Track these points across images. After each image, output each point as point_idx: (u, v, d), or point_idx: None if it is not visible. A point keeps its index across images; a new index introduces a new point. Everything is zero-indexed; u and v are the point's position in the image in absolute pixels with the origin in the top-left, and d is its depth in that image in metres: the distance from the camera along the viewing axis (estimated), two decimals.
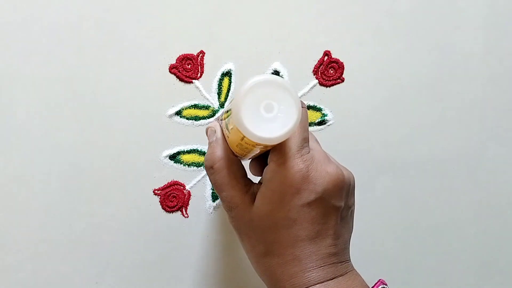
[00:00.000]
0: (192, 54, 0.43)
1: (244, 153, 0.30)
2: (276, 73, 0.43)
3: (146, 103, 0.43)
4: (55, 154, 0.42)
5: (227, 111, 0.29)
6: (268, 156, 0.30)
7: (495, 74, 0.45)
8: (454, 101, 0.45)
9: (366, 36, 0.44)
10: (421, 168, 0.45)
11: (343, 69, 0.44)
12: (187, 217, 0.43)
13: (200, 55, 0.43)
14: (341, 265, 0.30)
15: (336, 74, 0.44)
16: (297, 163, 0.29)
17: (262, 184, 0.30)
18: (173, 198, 0.43)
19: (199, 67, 0.43)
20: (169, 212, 0.43)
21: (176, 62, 0.43)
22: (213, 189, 0.43)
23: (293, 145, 0.29)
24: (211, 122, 0.33)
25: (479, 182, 0.45)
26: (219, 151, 0.31)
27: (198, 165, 0.43)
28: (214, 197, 0.43)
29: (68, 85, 0.42)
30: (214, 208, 0.43)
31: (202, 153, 0.43)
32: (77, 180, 0.42)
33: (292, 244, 0.29)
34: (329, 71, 0.44)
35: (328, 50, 0.44)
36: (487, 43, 0.45)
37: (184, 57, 0.43)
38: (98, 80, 0.42)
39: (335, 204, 0.30)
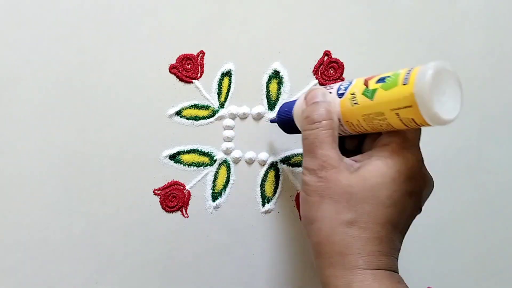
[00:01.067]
0: (192, 54, 0.43)
1: (364, 126, 0.31)
2: (276, 73, 0.43)
3: (146, 103, 0.43)
4: (55, 154, 0.42)
5: (349, 85, 0.31)
6: (365, 136, 0.33)
7: (495, 74, 0.45)
8: None
9: (366, 36, 0.44)
10: None
11: (343, 69, 0.44)
12: (187, 217, 0.43)
13: (200, 55, 0.43)
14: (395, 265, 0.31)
15: (336, 74, 0.44)
16: (419, 154, 0.31)
17: (376, 159, 0.30)
18: (173, 198, 0.43)
19: (199, 67, 0.43)
20: (169, 212, 0.43)
21: (176, 62, 0.43)
22: (213, 189, 0.43)
23: (416, 136, 0.31)
24: (314, 88, 0.34)
25: (479, 182, 0.45)
26: (329, 111, 0.31)
27: (198, 165, 0.43)
28: (214, 197, 0.43)
29: (68, 85, 0.42)
30: (214, 208, 0.43)
31: (202, 153, 0.43)
32: (77, 180, 0.42)
33: (382, 224, 0.29)
34: (329, 71, 0.44)
35: (328, 50, 0.44)
36: (487, 43, 0.45)
37: (184, 57, 0.43)
38: (98, 80, 0.42)
39: (421, 207, 0.32)
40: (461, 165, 0.45)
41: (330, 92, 0.32)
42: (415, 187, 0.30)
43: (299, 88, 0.44)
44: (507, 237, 0.46)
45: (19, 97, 0.42)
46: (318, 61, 0.44)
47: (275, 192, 0.43)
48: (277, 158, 0.43)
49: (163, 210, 0.43)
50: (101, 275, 0.42)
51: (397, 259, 0.31)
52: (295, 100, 0.37)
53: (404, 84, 0.28)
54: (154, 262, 0.43)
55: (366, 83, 0.30)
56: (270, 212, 0.43)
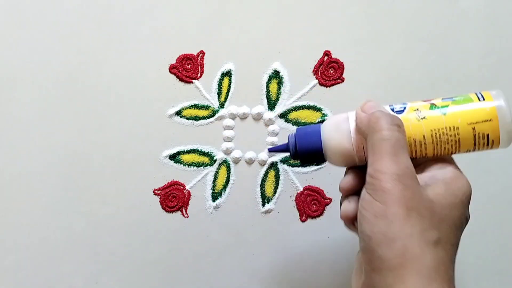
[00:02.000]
0: (192, 54, 0.43)
1: (427, 145, 0.30)
2: (276, 73, 0.43)
3: (146, 103, 0.43)
4: (55, 154, 0.42)
5: (403, 105, 0.31)
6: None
7: (495, 74, 0.45)
8: None
9: (366, 36, 0.44)
10: None
11: (343, 69, 0.44)
12: (187, 217, 0.43)
13: (200, 55, 0.43)
14: None
15: (336, 74, 0.44)
16: (466, 181, 0.31)
17: (443, 179, 0.29)
18: (173, 198, 0.43)
19: (199, 67, 0.43)
20: (169, 212, 0.43)
21: (176, 62, 0.43)
22: (213, 189, 0.43)
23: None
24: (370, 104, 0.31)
25: (479, 182, 0.45)
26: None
27: (198, 165, 0.43)
28: (214, 197, 0.43)
29: (68, 85, 0.42)
30: (214, 208, 0.43)
31: (202, 153, 0.43)
32: (77, 180, 0.42)
33: (455, 245, 0.28)
34: (329, 71, 0.44)
35: (328, 50, 0.44)
36: (487, 43, 0.45)
37: (184, 57, 0.43)
38: (98, 80, 0.42)
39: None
40: (461, 165, 0.45)
41: None
42: (468, 214, 0.30)
43: (299, 88, 0.44)
44: (507, 237, 0.45)
45: (19, 97, 0.42)
46: (318, 61, 0.44)
47: (275, 192, 0.43)
48: (277, 158, 0.43)
49: (163, 210, 0.43)
50: (101, 275, 0.42)
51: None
52: (315, 126, 0.33)
53: (480, 101, 0.29)
54: (154, 262, 0.43)
55: (428, 102, 0.31)
56: (270, 212, 0.43)
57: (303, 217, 0.43)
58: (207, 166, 0.43)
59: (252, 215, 0.43)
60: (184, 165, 0.43)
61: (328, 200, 0.43)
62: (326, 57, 0.44)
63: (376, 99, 0.44)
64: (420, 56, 0.44)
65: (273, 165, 0.43)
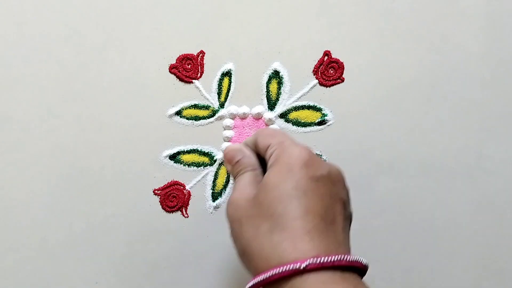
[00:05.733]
0: (192, 54, 0.43)
1: None
2: (276, 73, 0.43)
3: (146, 103, 0.43)
4: (55, 154, 0.42)
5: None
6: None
7: (495, 74, 0.45)
8: (454, 101, 0.45)
9: (366, 36, 0.44)
10: (421, 168, 0.45)
11: (343, 69, 0.44)
12: (187, 217, 0.43)
13: (200, 55, 0.43)
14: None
15: (336, 74, 0.44)
16: (300, 145, 0.30)
17: (268, 167, 0.30)
18: (173, 198, 0.43)
19: (199, 67, 0.43)
20: (169, 212, 0.43)
21: (176, 62, 0.43)
22: (213, 189, 0.43)
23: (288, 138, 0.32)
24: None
25: (479, 182, 0.45)
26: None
27: (198, 165, 0.43)
28: (214, 197, 0.43)
29: (68, 85, 0.42)
30: (214, 208, 0.43)
31: (202, 153, 0.43)
32: (77, 180, 0.42)
33: (302, 216, 0.26)
34: (329, 71, 0.44)
35: (328, 50, 0.44)
36: (487, 43, 0.45)
37: (184, 57, 0.43)
38: (98, 80, 0.42)
39: (339, 192, 0.29)
40: (461, 165, 0.45)
41: None
42: (317, 171, 0.28)
43: (299, 88, 0.44)
44: (507, 237, 0.45)
45: (19, 97, 0.42)
46: (318, 61, 0.44)
47: None
48: None
49: (163, 210, 0.43)
50: (101, 275, 0.42)
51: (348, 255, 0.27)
52: None
53: None
54: (154, 262, 0.43)
55: None
56: None
57: None
58: (207, 166, 0.43)
59: None
60: (184, 165, 0.43)
61: None
62: (326, 57, 0.44)
63: (376, 99, 0.44)
64: (420, 56, 0.44)
65: None
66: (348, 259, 0.26)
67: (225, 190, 0.43)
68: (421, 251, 0.45)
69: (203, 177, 0.43)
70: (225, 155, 0.35)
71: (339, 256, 0.25)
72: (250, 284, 0.27)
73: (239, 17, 0.43)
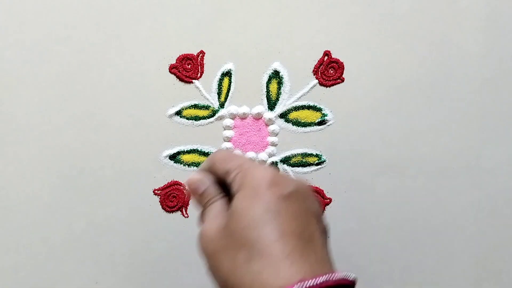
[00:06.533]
0: (192, 54, 0.43)
1: None
2: (276, 73, 0.43)
3: (146, 103, 0.43)
4: (55, 154, 0.42)
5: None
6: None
7: (495, 74, 0.45)
8: (453, 101, 0.45)
9: (366, 36, 0.44)
10: (421, 168, 0.45)
11: (343, 69, 0.44)
12: (187, 217, 0.43)
13: (200, 55, 0.43)
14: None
15: (336, 74, 0.44)
16: (261, 166, 0.29)
17: (233, 192, 0.28)
18: (173, 198, 0.43)
19: (199, 67, 0.43)
20: (169, 212, 0.43)
21: (176, 62, 0.43)
22: None
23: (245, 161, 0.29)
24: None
25: (478, 182, 0.45)
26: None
27: (198, 165, 0.43)
28: None
29: (68, 85, 0.42)
30: None
31: (202, 153, 0.43)
32: (77, 180, 0.42)
33: (278, 239, 0.25)
34: (329, 71, 0.44)
35: (328, 50, 0.44)
36: (487, 43, 0.45)
37: (184, 57, 0.43)
38: (98, 80, 0.42)
39: (311, 207, 0.28)
40: (461, 165, 0.45)
41: None
42: (285, 188, 0.27)
43: (299, 88, 0.44)
44: (507, 237, 0.45)
45: (19, 97, 0.42)
46: (318, 61, 0.44)
47: None
48: (277, 158, 0.43)
49: (163, 210, 0.43)
50: (101, 275, 0.42)
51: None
52: None
53: None
54: (154, 262, 0.43)
55: None
56: None
57: None
58: None
59: None
60: (184, 165, 0.43)
61: (328, 200, 0.43)
62: (326, 57, 0.44)
63: (376, 99, 0.44)
64: (420, 56, 0.44)
65: (273, 165, 0.43)
66: (334, 278, 0.24)
67: None
68: (421, 251, 0.45)
69: None
70: (188, 187, 0.32)
71: (325, 276, 0.24)
72: None
73: (239, 17, 0.43)
